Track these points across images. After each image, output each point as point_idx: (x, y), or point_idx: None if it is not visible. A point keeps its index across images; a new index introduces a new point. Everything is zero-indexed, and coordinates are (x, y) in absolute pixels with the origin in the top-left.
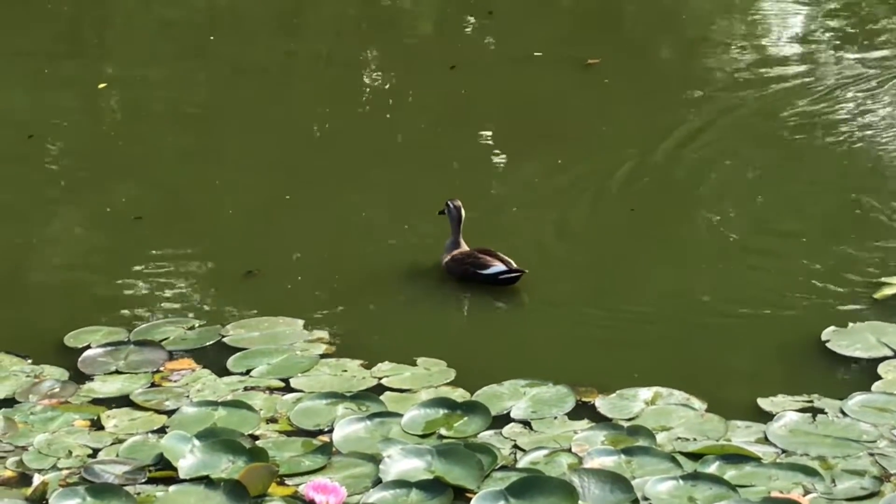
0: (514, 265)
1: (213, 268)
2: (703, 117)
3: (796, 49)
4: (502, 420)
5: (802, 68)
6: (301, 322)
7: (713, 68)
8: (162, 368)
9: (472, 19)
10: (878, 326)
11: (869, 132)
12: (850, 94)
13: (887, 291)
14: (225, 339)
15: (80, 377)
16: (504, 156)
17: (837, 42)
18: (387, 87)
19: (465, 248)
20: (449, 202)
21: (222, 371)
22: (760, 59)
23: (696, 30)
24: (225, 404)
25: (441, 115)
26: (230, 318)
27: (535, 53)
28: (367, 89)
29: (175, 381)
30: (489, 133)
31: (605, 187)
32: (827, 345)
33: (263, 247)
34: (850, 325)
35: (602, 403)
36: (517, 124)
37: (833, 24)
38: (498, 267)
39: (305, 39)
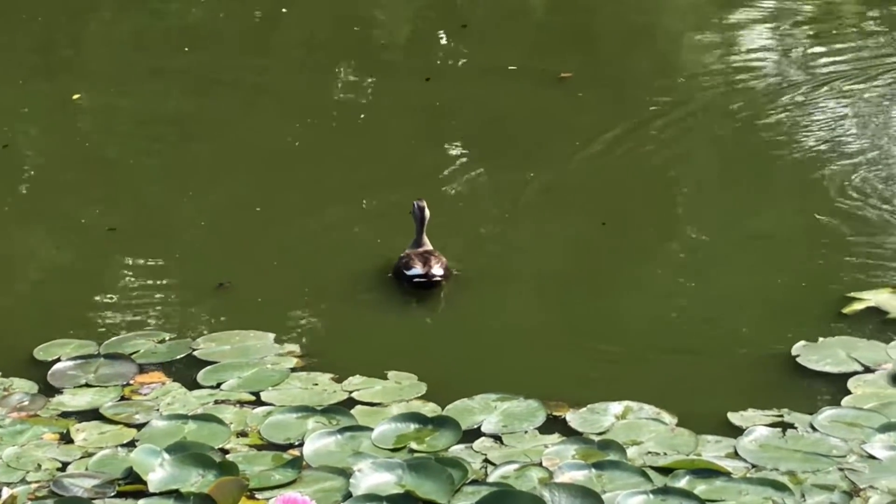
0: (439, 271)
1: (184, 280)
2: (674, 132)
3: (768, 63)
4: (473, 434)
5: (774, 81)
6: (272, 335)
7: (685, 82)
8: (132, 382)
9: (445, 32)
10: (849, 341)
11: (839, 146)
12: (822, 108)
13: (857, 306)
14: (195, 353)
15: (49, 390)
16: (478, 168)
17: (809, 54)
18: (360, 100)
19: (427, 247)
20: (414, 202)
21: (192, 384)
22: (732, 73)
23: (667, 44)
24: (195, 418)
25: (415, 128)
26: (201, 331)
27: (510, 67)
28: (340, 103)
29: (145, 395)
30: (463, 145)
31: (577, 201)
32: (797, 359)
33: (235, 259)
34: (821, 339)
35: (573, 418)
36: (491, 137)
37: (804, 37)
38: (415, 270)
39: (277, 54)
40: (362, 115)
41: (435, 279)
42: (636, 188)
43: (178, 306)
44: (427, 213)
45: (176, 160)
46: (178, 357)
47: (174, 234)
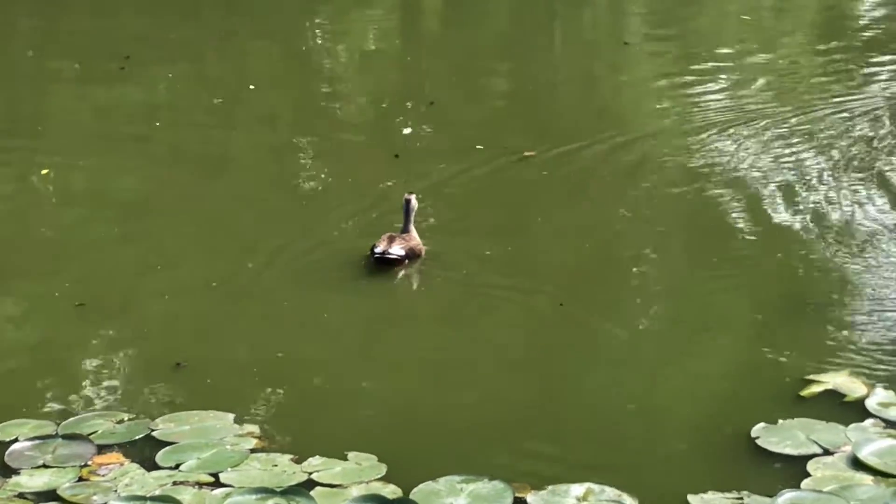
0: (398, 251)
1: (144, 358)
2: (634, 211)
3: (728, 141)
4: None
5: (740, 163)
6: (231, 416)
7: (646, 160)
8: (90, 462)
9: (413, 110)
10: (808, 423)
11: (804, 226)
12: (782, 185)
13: (815, 389)
14: (154, 433)
15: (6, 471)
16: (443, 245)
17: (771, 130)
18: (327, 178)
19: (411, 234)
20: (406, 194)
21: (151, 465)
22: (694, 150)
23: (630, 123)
24: (153, 499)
25: (382, 206)
26: (160, 410)
27: (477, 146)
28: (306, 178)
29: (103, 476)
30: (430, 223)
31: (538, 281)
32: (757, 441)
33: (197, 337)
34: (780, 421)
35: (534, 500)
36: (456, 214)
37: (767, 108)
38: (379, 247)
39: (243, 128)
40: (328, 192)
41: (390, 257)
42: (596, 268)
43: (137, 385)
44: (413, 204)
45: (142, 234)
46: (137, 437)
47: (138, 309)
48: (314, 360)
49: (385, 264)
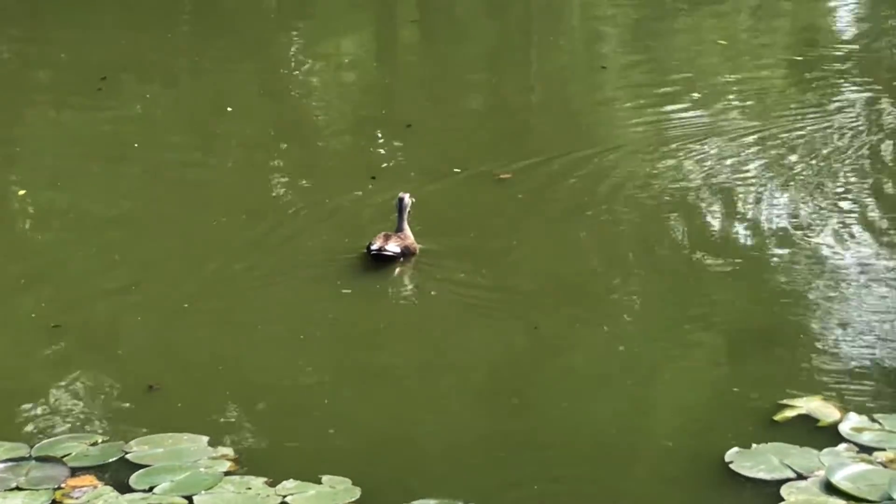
0: (393, 248)
1: (119, 381)
2: (610, 235)
3: (705, 165)
4: None
5: (716, 189)
6: (206, 438)
7: (623, 184)
8: (63, 485)
9: (390, 133)
10: (781, 448)
11: (778, 249)
12: (755, 210)
13: (788, 413)
14: (128, 456)
15: None
16: (419, 267)
17: (750, 158)
18: (303, 200)
19: (405, 234)
20: (400, 193)
21: (125, 488)
22: (671, 174)
23: (608, 146)
24: None
25: (358, 228)
26: (134, 433)
27: (455, 170)
28: (282, 200)
29: (76, 498)
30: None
31: (513, 304)
32: (731, 465)
33: (170, 359)
34: (754, 445)
35: None
36: (432, 236)
37: (743, 131)
38: (375, 244)
39: (220, 150)
40: (304, 214)
41: (386, 254)
42: (570, 292)
43: (111, 407)
44: (406, 203)
45: (118, 255)
46: (111, 460)
47: (113, 331)
48: (289, 382)
49: (381, 261)
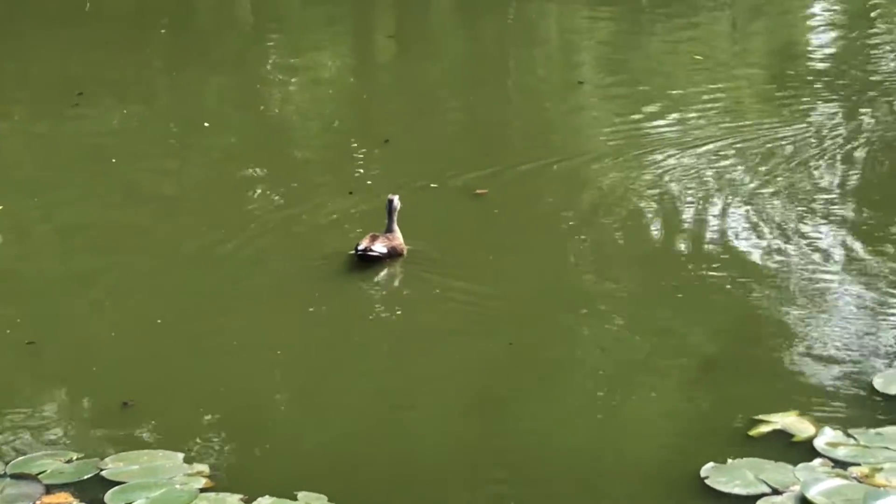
0: (380, 248)
1: (94, 398)
2: (585, 250)
3: (682, 179)
4: None
5: (693, 203)
6: (181, 455)
7: (600, 201)
8: (38, 503)
9: (367, 147)
10: (757, 463)
11: (754, 264)
12: (734, 226)
13: (763, 429)
14: (103, 473)
15: None
16: (394, 285)
17: (725, 172)
18: (281, 215)
19: (394, 234)
20: (389, 195)
21: None
22: (648, 189)
23: (584, 162)
24: None
25: (333, 244)
26: (110, 450)
27: (431, 185)
28: (259, 215)
29: None
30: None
31: (491, 319)
32: (706, 481)
33: (145, 375)
34: (730, 461)
35: None
36: (408, 251)
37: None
38: (362, 244)
39: (197, 165)
40: (280, 227)
41: (371, 254)
42: (546, 310)
43: (87, 424)
44: (395, 204)
45: (94, 270)
46: (86, 477)
47: (88, 347)
48: (264, 398)
49: (367, 261)
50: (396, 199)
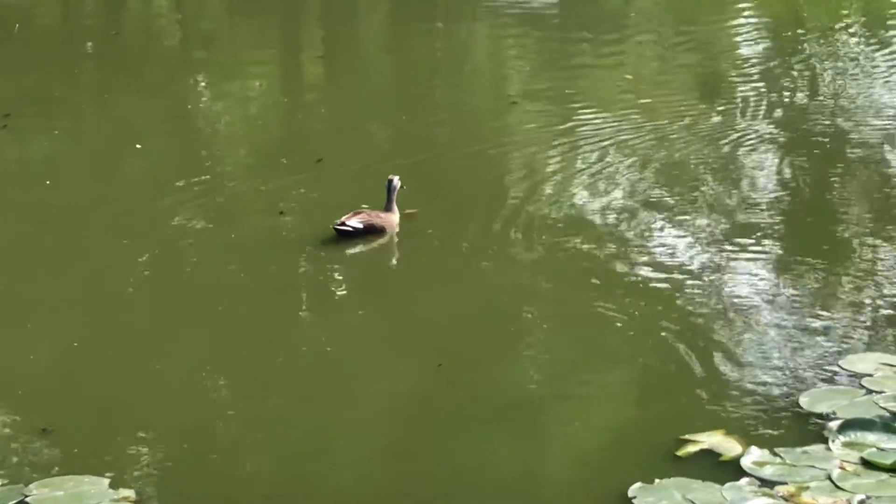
0: (355, 223)
1: (15, 423)
2: (517, 271)
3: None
4: None
5: (618, 222)
6: (106, 480)
7: (532, 219)
8: None
9: (300, 168)
10: (684, 483)
11: (682, 284)
12: (660, 245)
13: (691, 448)
14: (28, 499)
15: None
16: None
17: (656, 187)
18: (212, 236)
19: (386, 215)
20: (390, 175)
21: None
22: (580, 211)
23: (517, 180)
24: None
25: (264, 264)
26: (34, 476)
27: (363, 205)
28: (189, 237)
29: None
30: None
31: (417, 341)
32: (633, 501)
33: (66, 399)
34: (657, 481)
35: None
36: (338, 273)
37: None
38: (341, 218)
39: (128, 188)
40: (210, 248)
41: (343, 228)
42: (477, 328)
43: (10, 450)
44: (395, 184)
45: (13, 293)
46: (11, 503)
47: (7, 370)
48: (189, 421)
49: (342, 236)
50: (396, 179)
